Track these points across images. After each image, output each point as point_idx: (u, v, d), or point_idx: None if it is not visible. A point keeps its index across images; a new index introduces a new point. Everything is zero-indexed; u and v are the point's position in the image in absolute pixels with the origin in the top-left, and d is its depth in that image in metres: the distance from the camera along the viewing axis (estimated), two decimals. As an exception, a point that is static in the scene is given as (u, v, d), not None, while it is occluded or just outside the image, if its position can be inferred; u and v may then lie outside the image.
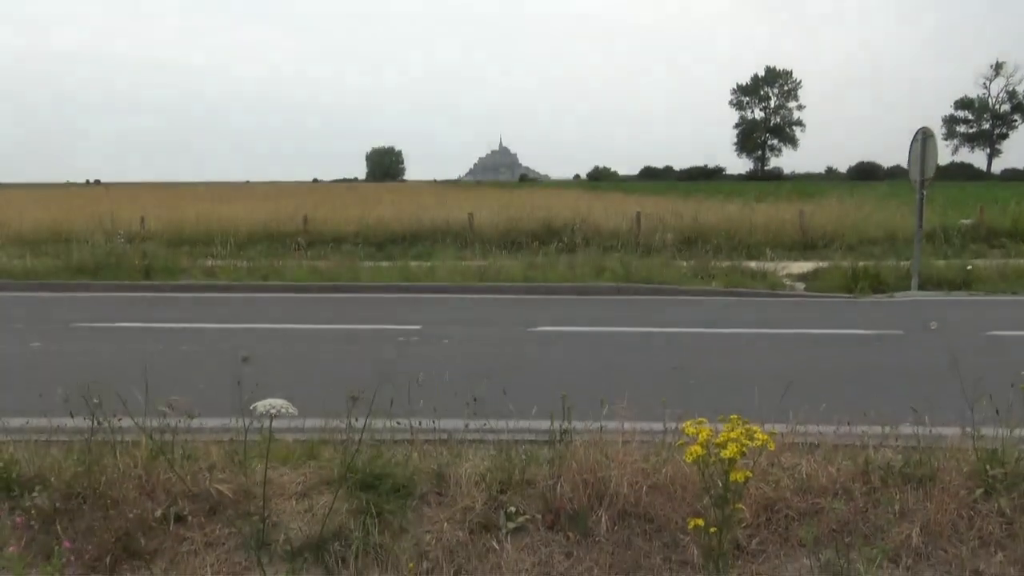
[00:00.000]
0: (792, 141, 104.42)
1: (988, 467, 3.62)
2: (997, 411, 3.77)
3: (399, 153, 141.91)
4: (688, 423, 2.72)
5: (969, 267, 13.19)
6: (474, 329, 9.52)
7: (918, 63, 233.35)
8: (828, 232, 17.90)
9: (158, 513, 3.47)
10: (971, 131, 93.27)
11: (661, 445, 3.82)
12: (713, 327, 9.58)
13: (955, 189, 36.71)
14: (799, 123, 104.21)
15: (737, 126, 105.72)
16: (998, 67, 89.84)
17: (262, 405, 2.79)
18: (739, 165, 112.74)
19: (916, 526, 3.39)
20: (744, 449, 2.60)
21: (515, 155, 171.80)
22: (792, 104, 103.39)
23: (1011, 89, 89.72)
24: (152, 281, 13.16)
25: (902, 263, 13.60)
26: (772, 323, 9.95)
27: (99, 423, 3.71)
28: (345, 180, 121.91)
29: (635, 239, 17.23)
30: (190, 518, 3.49)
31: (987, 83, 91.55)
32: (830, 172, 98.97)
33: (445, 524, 3.47)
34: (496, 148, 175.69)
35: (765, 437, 2.63)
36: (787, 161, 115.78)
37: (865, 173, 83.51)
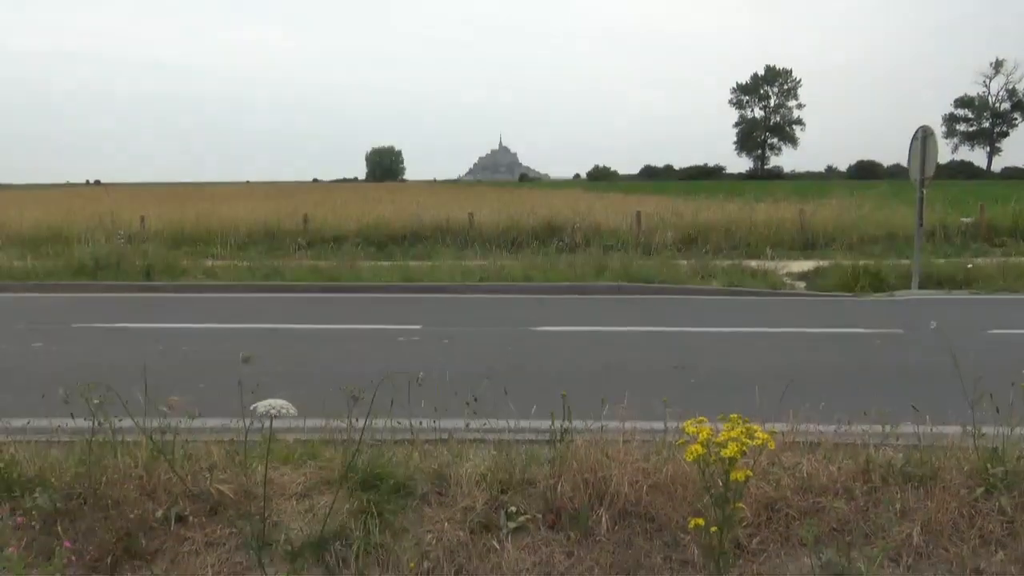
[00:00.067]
0: (792, 140, 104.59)
1: (989, 466, 3.62)
2: (998, 409, 3.77)
3: (399, 153, 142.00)
4: (689, 422, 2.73)
5: (969, 266, 13.19)
6: (474, 329, 9.52)
7: (918, 61, 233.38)
8: (828, 231, 17.91)
9: (159, 513, 3.47)
10: (971, 129, 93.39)
11: (662, 444, 3.82)
12: (713, 326, 9.58)
13: (955, 188, 36.67)
14: (799, 122, 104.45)
15: (737, 125, 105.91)
16: (998, 65, 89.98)
17: (263, 405, 2.80)
18: (739, 164, 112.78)
19: (917, 525, 3.39)
20: (744, 448, 2.60)
21: (515, 154, 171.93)
22: (792, 103, 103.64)
23: (1011, 87, 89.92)
24: (152, 281, 13.17)
25: (902, 262, 13.62)
26: (772, 322, 9.95)
27: (100, 423, 3.70)
28: (345, 180, 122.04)
29: (635, 238, 17.23)
30: (191, 518, 3.49)
31: (987, 81, 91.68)
32: (830, 171, 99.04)
33: (446, 524, 3.47)
34: (496, 147, 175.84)
35: (765, 436, 2.63)
36: (787, 160, 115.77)
37: (865, 172, 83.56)
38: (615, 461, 3.63)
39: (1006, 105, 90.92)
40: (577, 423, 3.94)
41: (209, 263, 15.00)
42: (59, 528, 3.41)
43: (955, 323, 9.51)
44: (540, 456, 3.85)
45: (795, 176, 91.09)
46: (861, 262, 13.20)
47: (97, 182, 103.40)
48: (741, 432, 2.62)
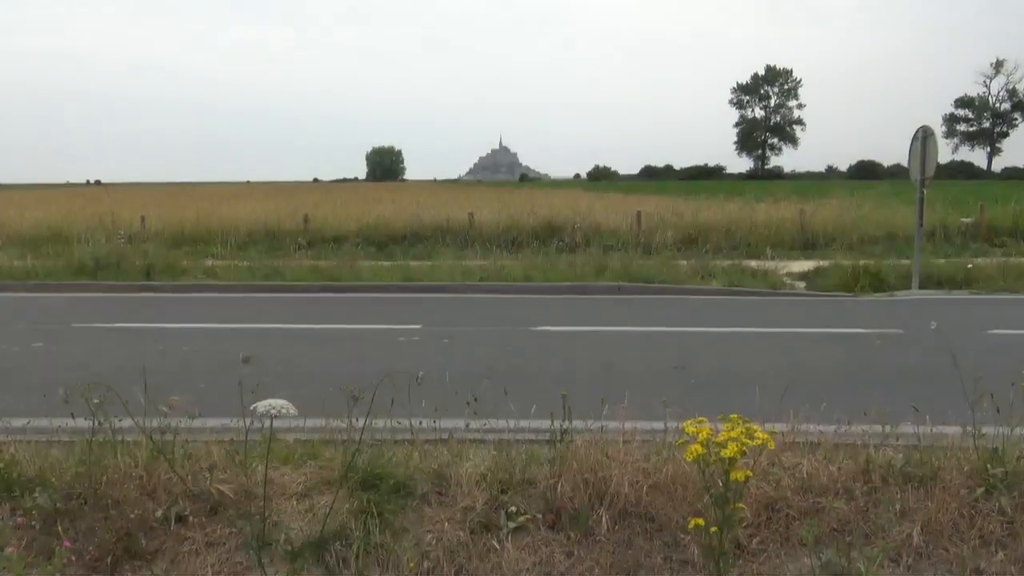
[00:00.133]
0: (792, 140, 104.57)
1: (989, 466, 3.61)
2: (998, 410, 3.77)
3: (399, 153, 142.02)
4: (688, 422, 2.73)
5: (970, 266, 13.19)
6: (475, 328, 9.51)
7: (918, 61, 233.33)
8: (828, 231, 17.91)
9: (159, 513, 3.47)
10: (971, 129, 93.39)
11: (662, 444, 3.82)
12: (713, 326, 9.58)
13: (955, 188, 36.68)
14: (799, 122, 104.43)
15: (737, 125, 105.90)
16: (998, 65, 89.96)
17: (263, 405, 2.80)
18: (739, 164, 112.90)
19: (917, 525, 3.39)
20: (744, 448, 2.60)
21: (515, 154, 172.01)
22: (792, 103, 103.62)
23: (1011, 87, 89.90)
24: (153, 281, 13.17)
25: (903, 262, 13.61)
26: (772, 322, 9.95)
27: (100, 423, 3.70)
28: (345, 180, 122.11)
29: (635, 238, 17.23)
30: (191, 518, 3.49)
31: (987, 81, 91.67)
32: (830, 171, 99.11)
33: (446, 524, 3.47)
34: (496, 147, 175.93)
35: (765, 436, 2.63)
36: (787, 160, 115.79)
37: (865, 172, 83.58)
38: (615, 461, 3.63)
39: (1006, 105, 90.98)
40: (577, 423, 3.94)
41: (209, 263, 15.00)
42: (59, 528, 3.41)
43: (955, 323, 9.51)
44: (540, 456, 3.85)
45: (795, 176, 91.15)
46: (861, 262, 13.19)
47: (97, 182, 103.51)
48: (741, 432, 2.61)
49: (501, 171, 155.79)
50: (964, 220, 18.36)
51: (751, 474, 2.70)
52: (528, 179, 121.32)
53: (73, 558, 3.24)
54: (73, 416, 3.78)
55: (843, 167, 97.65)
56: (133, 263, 13.85)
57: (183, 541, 3.42)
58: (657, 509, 3.50)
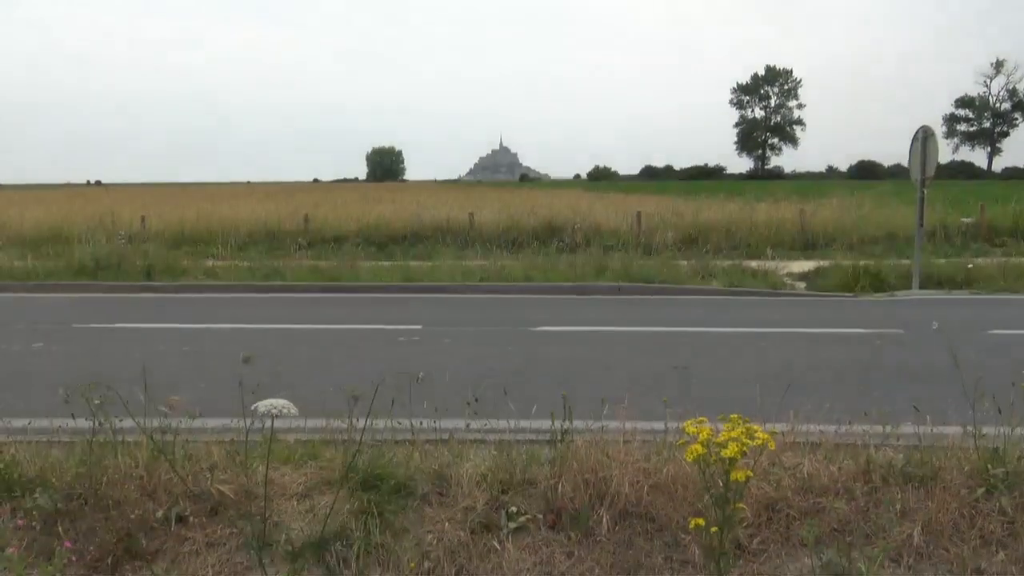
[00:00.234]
0: (792, 140, 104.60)
1: (990, 466, 3.61)
2: (999, 410, 3.76)
3: (399, 153, 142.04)
4: (689, 422, 2.72)
5: (970, 266, 13.19)
6: (475, 329, 9.52)
7: (918, 61, 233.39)
8: (829, 231, 17.92)
9: (159, 513, 3.47)
10: (972, 129, 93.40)
11: (662, 444, 3.82)
12: (714, 326, 9.58)
13: (956, 188, 36.68)
14: (799, 122, 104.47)
15: (737, 125, 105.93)
16: (999, 65, 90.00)
17: (263, 405, 2.80)
18: (739, 164, 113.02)
19: (918, 525, 3.39)
20: (745, 448, 2.59)
21: (515, 155, 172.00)
22: (792, 103, 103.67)
23: (1012, 87, 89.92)
24: (153, 281, 13.18)
25: (903, 262, 13.61)
26: (773, 322, 9.94)
27: (100, 424, 3.71)
28: (346, 180, 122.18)
29: (636, 238, 17.24)
30: (191, 518, 3.49)
31: (988, 81, 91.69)
32: (831, 171, 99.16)
33: (446, 524, 3.47)
34: (496, 148, 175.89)
35: (766, 436, 2.63)
36: (788, 160, 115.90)
37: (866, 172, 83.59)
38: (615, 461, 3.63)
39: (1007, 105, 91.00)
40: (577, 423, 3.94)
41: (210, 263, 15.00)
42: (60, 528, 3.41)
43: (955, 323, 9.51)
44: (540, 456, 3.85)
45: (795, 176, 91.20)
46: (861, 262, 13.20)
47: (98, 182, 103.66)
48: (741, 432, 2.61)
49: (501, 171, 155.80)
50: (964, 220, 18.36)
51: (751, 474, 2.70)
52: (528, 179, 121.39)
53: (74, 558, 3.24)
54: (73, 416, 3.78)
55: (843, 167, 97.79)
56: (133, 263, 13.86)
57: (184, 541, 3.42)
58: (658, 509, 3.50)
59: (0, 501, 3.58)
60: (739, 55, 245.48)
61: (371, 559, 3.32)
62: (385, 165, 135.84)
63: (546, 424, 3.99)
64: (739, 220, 18.69)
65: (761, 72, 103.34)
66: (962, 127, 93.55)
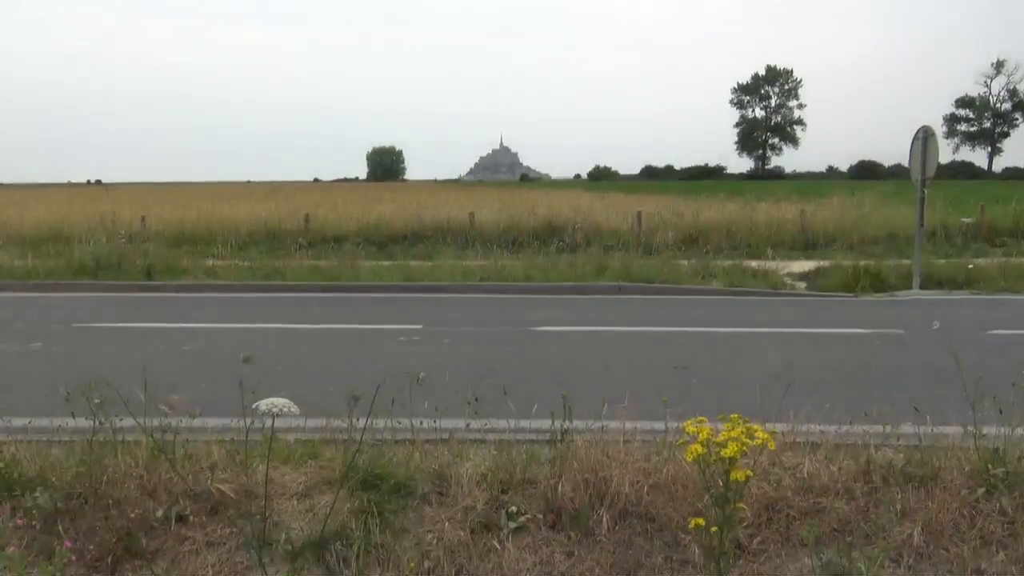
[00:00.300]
0: (793, 140, 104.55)
1: (990, 466, 3.61)
2: (1000, 410, 3.76)
3: (399, 153, 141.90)
4: (689, 422, 2.72)
5: (970, 266, 13.19)
6: (475, 328, 9.52)
7: (919, 61, 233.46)
8: (829, 231, 17.91)
9: (159, 513, 3.47)
10: (972, 129, 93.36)
11: (662, 444, 3.82)
12: (714, 326, 9.58)
13: (956, 188, 36.67)
14: (800, 122, 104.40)
15: (738, 125, 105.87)
16: (999, 65, 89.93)
17: (264, 404, 2.79)
18: (740, 164, 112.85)
19: (918, 525, 3.39)
20: (745, 448, 2.59)
21: (516, 154, 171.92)
22: (793, 103, 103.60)
23: (1012, 87, 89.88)
24: (153, 281, 13.18)
25: (903, 262, 13.61)
26: (773, 322, 9.94)
27: (100, 423, 3.71)
28: (346, 180, 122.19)
29: (636, 238, 17.23)
30: (191, 518, 3.49)
31: (988, 81, 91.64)
32: (831, 171, 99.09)
33: (446, 524, 3.47)
34: (497, 147, 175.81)
35: (766, 436, 2.63)
36: (788, 160, 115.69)
37: (866, 172, 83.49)
38: (615, 461, 3.62)
39: (1007, 105, 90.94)
40: (577, 423, 3.94)
41: (210, 263, 15.00)
42: (60, 527, 3.41)
43: (956, 323, 9.51)
44: (540, 456, 3.85)
45: (796, 176, 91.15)
46: (862, 262, 13.20)
47: (98, 182, 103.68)
48: (741, 432, 2.61)
49: (502, 171, 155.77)
50: (965, 220, 18.35)
51: (751, 474, 2.70)
52: (529, 179, 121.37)
53: (74, 557, 3.24)
54: (74, 416, 3.78)
55: (844, 167, 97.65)
56: (134, 263, 13.85)
57: (183, 541, 3.42)
58: (657, 509, 3.49)
59: (0, 500, 3.58)
60: (739, 55, 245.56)
61: (371, 559, 3.32)
62: (385, 165, 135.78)
63: (546, 424, 3.99)
64: (739, 220, 18.68)
65: (761, 72, 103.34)
66: (962, 127, 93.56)
